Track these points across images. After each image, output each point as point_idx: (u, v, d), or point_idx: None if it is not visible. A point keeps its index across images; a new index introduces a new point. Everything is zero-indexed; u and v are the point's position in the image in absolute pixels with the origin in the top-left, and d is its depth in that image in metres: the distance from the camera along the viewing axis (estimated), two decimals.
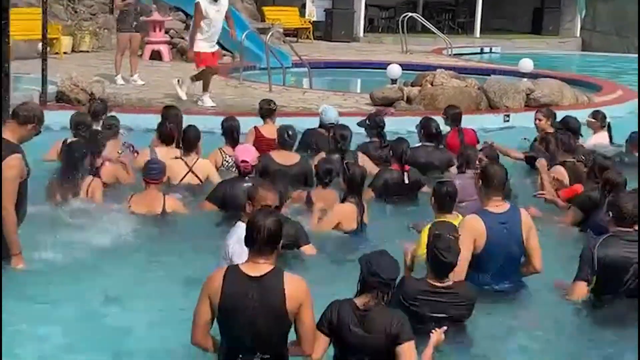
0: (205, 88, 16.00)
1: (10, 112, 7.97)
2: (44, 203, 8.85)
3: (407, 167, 9.83)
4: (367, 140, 11.36)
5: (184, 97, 15.64)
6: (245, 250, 5.45)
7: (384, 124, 11.54)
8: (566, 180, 9.78)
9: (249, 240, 5.31)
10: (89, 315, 6.61)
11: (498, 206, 7.06)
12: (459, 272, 6.41)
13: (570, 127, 11.43)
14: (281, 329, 5.29)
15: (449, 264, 6.06)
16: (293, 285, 5.27)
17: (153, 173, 8.77)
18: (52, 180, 9.21)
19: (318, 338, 5.42)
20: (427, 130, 11.05)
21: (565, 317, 6.89)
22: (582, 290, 6.78)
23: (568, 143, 10.62)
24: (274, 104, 12.05)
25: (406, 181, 9.76)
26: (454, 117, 12.11)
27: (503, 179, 7.19)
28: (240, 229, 6.11)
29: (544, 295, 7.27)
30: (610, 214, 6.88)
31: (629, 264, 6.70)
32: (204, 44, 15.85)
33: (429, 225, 7.10)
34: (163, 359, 5.83)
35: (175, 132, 10.13)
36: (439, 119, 11.99)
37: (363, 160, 10.37)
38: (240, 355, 5.28)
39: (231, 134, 10.60)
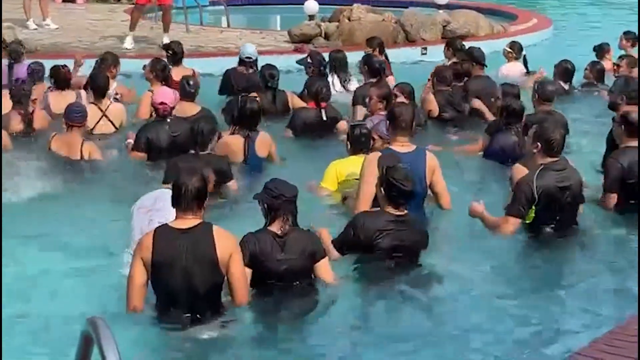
0: (132, 27, 15.89)
1: None
2: None
3: (323, 104, 9.87)
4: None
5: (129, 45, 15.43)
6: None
7: (326, 62, 11.59)
8: None
9: (176, 200, 5.37)
10: None
11: (403, 146, 7.15)
12: (364, 206, 6.64)
13: (475, 57, 11.53)
14: (214, 279, 5.36)
15: (409, 192, 6.23)
16: (222, 235, 5.37)
17: (77, 116, 8.69)
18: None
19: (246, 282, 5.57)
20: (371, 67, 10.99)
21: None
22: (513, 225, 6.93)
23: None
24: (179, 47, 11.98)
25: (324, 118, 9.82)
26: (380, 46, 12.35)
27: (410, 119, 7.23)
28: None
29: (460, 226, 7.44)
30: (539, 145, 6.98)
31: (561, 192, 6.89)
32: None
33: (334, 161, 7.37)
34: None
35: (70, 75, 10.29)
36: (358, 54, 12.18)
37: (293, 99, 10.48)
38: (175, 308, 5.35)
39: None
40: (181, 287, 5.32)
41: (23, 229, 7.29)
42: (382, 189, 6.28)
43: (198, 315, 5.40)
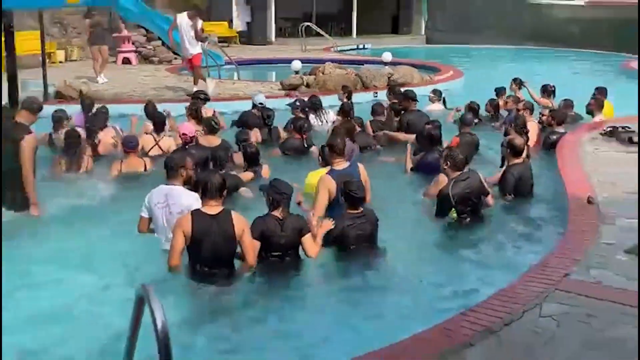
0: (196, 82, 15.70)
1: (20, 105, 7.90)
2: (50, 173, 8.80)
3: (305, 135, 9.97)
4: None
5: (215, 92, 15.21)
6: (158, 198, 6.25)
7: (307, 103, 11.70)
8: None
9: (204, 191, 5.69)
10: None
11: (340, 164, 7.22)
12: (320, 213, 6.75)
13: (409, 96, 11.56)
14: (232, 248, 5.70)
15: (360, 198, 6.39)
16: (237, 219, 5.69)
17: (131, 144, 8.78)
18: (56, 157, 9.11)
19: (255, 246, 5.82)
20: (343, 109, 11.03)
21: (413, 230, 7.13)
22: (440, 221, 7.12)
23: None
24: (204, 94, 11.98)
25: (305, 145, 9.91)
26: (349, 93, 12.38)
27: (342, 148, 7.33)
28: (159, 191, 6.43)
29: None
30: (448, 164, 7.12)
31: (467, 195, 7.07)
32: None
33: (312, 172, 7.75)
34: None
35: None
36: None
37: (281, 133, 10.51)
38: (206, 268, 5.69)
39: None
40: (211, 253, 5.64)
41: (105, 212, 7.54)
42: (343, 197, 6.38)
43: (220, 272, 5.73)
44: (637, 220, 6.64)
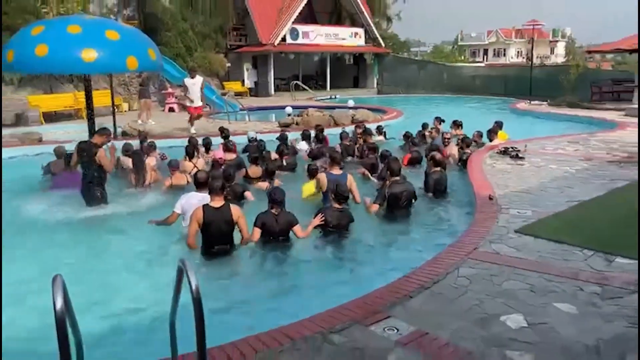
0: (191, 123, 15.43)
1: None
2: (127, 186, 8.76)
3: (285, 157, 9.89)
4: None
5: (193, 131, 14.94)
6: (192, 201, 6.18)
7: (287, 137, 11.59)
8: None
9: (210, 191, 5.81)
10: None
11: (335, 170, 7.36)
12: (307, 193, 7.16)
13: (366, 131, 11.77)
14: (231, 229, 5.75)
15: (346, 197, 6.47)
16: (234, 209, 5.80)
17: (173, 164, 8.71)
18: (128, 177, 9.07)
19: (255, 231, 5.91)
20: (318, 138, 11.36)
21: (369, 221, 7.10)
22: (376, 208, 7.00)
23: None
24: (227, 131, 11.82)
25: (285, 164, 9.81)
26: (320, 129, 12.32)
27: (339, 160, 7.57)
28: (191, 195, 6.47)
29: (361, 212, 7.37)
30: (388, 172, 7.12)
31: (401, 194, 6.94)
32: (190, 103, 15.35)
33: (305, 184, 7.71)
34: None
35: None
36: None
37: (274, 155, 10.24)
38: (215, 247, 5.68)
39: (207, 147, 10.56)
40: (217, 234, 5.70)
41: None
42: (333, 195, 6.32)
43: (224, 246, 5.74)
44: (524, 210, 6.70)
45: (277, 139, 11.53)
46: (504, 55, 72.26)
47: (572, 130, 15.13)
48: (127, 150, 9.89)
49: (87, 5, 22.50)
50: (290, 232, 6.10)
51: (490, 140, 11.96)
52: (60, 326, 2.36)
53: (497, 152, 10.84)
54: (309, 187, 7.71)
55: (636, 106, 17.63)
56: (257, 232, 5.90)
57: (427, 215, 7.25)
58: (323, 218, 6.25)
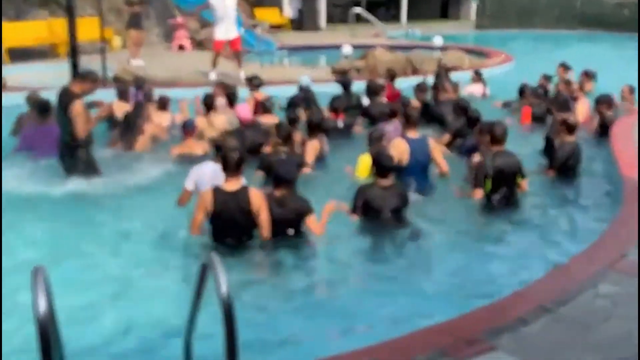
0: (213, 64, 15.49)
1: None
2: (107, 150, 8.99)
3: (341, 115, 9.85)
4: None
5: (212, 77, 15.04)
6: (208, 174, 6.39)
7: (350, 84, 11.73)
8: None
9: (223, 167, 5.87)
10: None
11: (412, 134, 7.49)
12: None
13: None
14: (248, 222, 5.89)
15: (390, 168, 6.44)
16: (254, 195, 5.89)
17: (188, 126, 8.83)
18: (113, 136, 9.25)
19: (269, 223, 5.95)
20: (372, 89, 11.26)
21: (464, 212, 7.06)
22: (480, 193, 6.98)
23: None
24: (259, 79, 11.82)
25: (340, 125, 9.79)
26: (391, 75, 12.59)
27: (416, 119, 7.64)
28: (207, 167, 6.64)
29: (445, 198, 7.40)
30: (489, 137, 7.04)
31: (507, 170, 6.92)
32: (221, 35, 15.32)
33: (362, 156, 7.77)
34: None
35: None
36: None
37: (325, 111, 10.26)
38: (226, 240, 5.91)
39: (230, 98, 10.38)
40: (229, 225, 5.88)
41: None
42: (375, 167, 6.58)
43: (239, 244, 5.95)
44: None
45: (339, 82, 11.55)
46: None
47: None
48: (122, 94, 10.21)
49: None
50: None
51: None
52: (43, 332, 2.49)
53: None
54: (367, 162, 7.65)
55: None
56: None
57: (546, 204, 7.13)
58: (347, 208, 6.40)
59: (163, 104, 10.46)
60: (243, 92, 11.33)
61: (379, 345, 4.08)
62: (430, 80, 12.72)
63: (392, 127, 8.73)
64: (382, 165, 6.42)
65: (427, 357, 3.94)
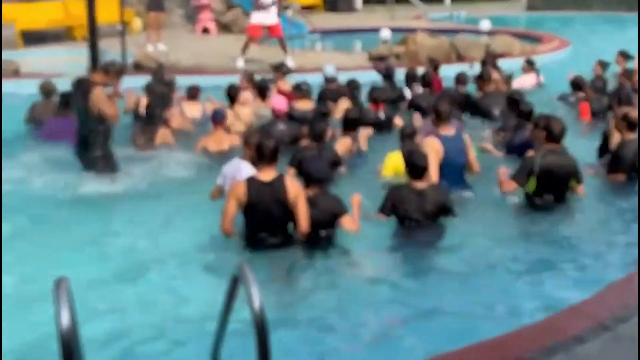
0: (243, 51, 15.69)
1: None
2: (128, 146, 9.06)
3: (381, 106, 9.83)
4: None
5: (240, 65, 15.23)
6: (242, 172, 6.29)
7: (393, 74, 11.70)
8: None
9: (258, 157, 5.94)
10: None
11: (446, 130, 7.39)
12: (435, 176, 6.91)
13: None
14: (284, 214, 5.90)
15: (423, 168, 6.35)
16: (291, 185, 5.90)
17: (219, 117, 8.81)
18: (135, 131, 9.36)
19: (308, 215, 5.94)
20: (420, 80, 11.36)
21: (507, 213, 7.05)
22: (512, 185, 6.94)
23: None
24: (286, 67, 12.02)
25: (382, 117, 9.75)
26: (435, 66, 12.52)
27: (449, 113, 7.52)
28: (238, 164, 6.62)
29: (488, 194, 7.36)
30: (544, 132, 6.93)
31: (560, 169, 6.84)
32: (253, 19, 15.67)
33: (390, 154, 7.76)
34: None
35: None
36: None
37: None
38: (258, 237, 5.95)
39: (262, 91, 10.64)
40: (264, 220, 5.92)
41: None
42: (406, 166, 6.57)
43: (273, 237, 5.99)
44: None
45: (378, 71, 11.53)
46: None
47: None
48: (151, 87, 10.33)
49: None
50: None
51: None
52: (66, 347, 2.55)
53: None
54: (396, 160, 7.62)
55: None
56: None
57: (604, 210, 7.07)
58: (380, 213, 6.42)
59: (193, 94, 10.49)
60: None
61: None
62: (477, 68, 12.63)
63: (421, 121, 8.73)
64: (414, 165, 6.33)
65: None
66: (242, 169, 6.46)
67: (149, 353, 4.62)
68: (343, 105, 9.92)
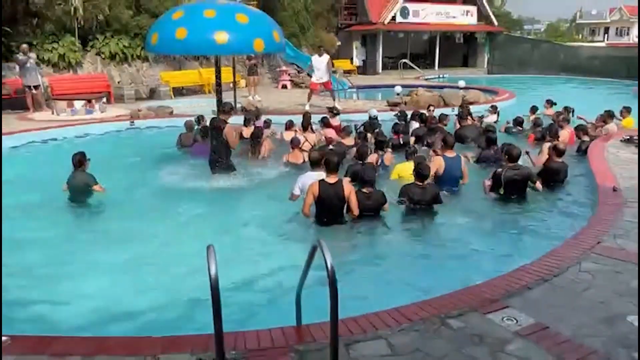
0: (308, 98, 15.68)
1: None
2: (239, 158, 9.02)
3: (400, 135, 9.68)
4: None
5: (307, 107, 15.09)
6: (308, 182, 6.13)
7: (407, 116, 11.57)
8: None
9: (327, 168, 5.93)
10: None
11: (450, 153, 7.14)
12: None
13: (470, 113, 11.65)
14: (342, 204, 5.88)
15: (426, 175, 6.31)
16: (347, 186, 5.93)
17: (296, 142, 8.79)
18: (242, 149, 9.39)
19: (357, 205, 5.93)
20: (418, 119, 10.97)
21: (486, 207, 6.88)
22: (492, 195, 6.79)
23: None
24: (337, 109, 11.81)
25: (401, 142, 9.59)
26: (432, 110, 12.33)
27: (453, 142, 7.25)
28: (307, 176, 6.45)
29: (470, 197, 7.18)
30: (506, 157, 6.82)
31: (519, 179, 6.70)
32: (317, 80, 15.57)
33: (399, 165, 7.62)
34: None
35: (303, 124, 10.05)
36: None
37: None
38: (325, 219, 5.87)
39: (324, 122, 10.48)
40: (329, 208, 5.86)
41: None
42: (415, 173, 6.46)
43: (335, 219, 5.91)
44: None
45: (395, 115, 11.40)
46: (627, 34, 65.79)
47: None
48: (248, 121, 10.31)
49: None
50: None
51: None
52: (214, 289, 2.58)
53: (621, 141, 9.98)
54: (403, 168, 7.54)
55: None
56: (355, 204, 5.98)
57: (545, 206, 6.89)
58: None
59: (289, 126, 10.27)
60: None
61: (428, 301, 4.06)
62: (457, 110, 12.47)
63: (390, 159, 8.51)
64: (419, 173, 6.35)
65: (460, 311, 3.91)
66: (310, 176, 6.48)
67: (251, 295, 4.60)
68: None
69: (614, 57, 29.47)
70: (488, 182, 6.87)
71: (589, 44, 44.89)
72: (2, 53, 13.60)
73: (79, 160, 6.87)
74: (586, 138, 9.72)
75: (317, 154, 6.75)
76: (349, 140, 9.44)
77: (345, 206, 5.94)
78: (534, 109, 12.63)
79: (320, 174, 6.34)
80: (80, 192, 6.83)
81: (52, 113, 13.88)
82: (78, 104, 13.91)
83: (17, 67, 14.66)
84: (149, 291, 4.55)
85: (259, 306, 4.41)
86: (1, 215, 5.60)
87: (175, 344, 3.44)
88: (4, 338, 3.43)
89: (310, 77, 16.04)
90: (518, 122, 11.37)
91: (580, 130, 9.89)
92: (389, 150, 8.65)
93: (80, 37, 17.71)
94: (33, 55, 14.60)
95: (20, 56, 14.24)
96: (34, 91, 14.51)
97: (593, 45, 40.64)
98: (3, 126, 11.38)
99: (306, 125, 9.83)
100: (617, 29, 67.67)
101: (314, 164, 6.60)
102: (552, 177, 7.39)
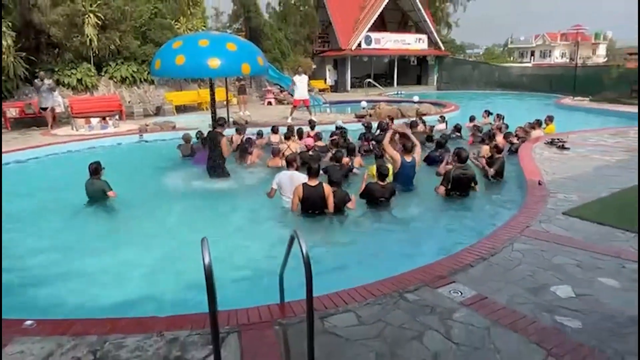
0: (290, 113, 15.55)
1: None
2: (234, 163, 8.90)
3: (371, 141, 9.63)
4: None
5: (289, 120, 15.00)
6: (282, 177, 6.10)
7: (372, 126, 11.37)
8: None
9: (309, 172, 5.72)
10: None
11: (408, 157, 7.03)
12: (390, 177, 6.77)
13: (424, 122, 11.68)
14: (323, 203, 5.77)
15: (386, 175, 6.23)
16: (327, 188, 5.84)
17: (275, 151, 8.73)
18: (235, 156, 9.29)
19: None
20: (381, 127, 10.80)
21: (436, 201, 6.90)
22: (443, 190, 6.73)
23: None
24: (313, 121, 11.69)
25: (371, 147, 9.52)
26: (391, 119, 12.06)
27: (411, 147, 7.13)
28: (282, 173, 6.30)
29: (423, 193, 7.17)
30: (456, 158, 6.83)
31: (463, 179, 6.66)
32: (298, 96, 15.42)
33: (370, 166, 7.29)
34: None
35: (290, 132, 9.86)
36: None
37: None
38: (309, 211, 5.75)
39: (299, 134, 10.29)
40: (312, 205, 5.78)
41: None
42: (377, 174, 6.30)
43: (317, 214, 5.80)
44: (570, 195, 6.29)
45: (363, 125, 11.36)
46: (549, 56, 67.14)
47: (613, 124, 13.90)
48: (238, 131, 10.17)
49: (206, 21, 23.14)
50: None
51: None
52: (208, 277, 2.53)
53: (545, 143, 10.15)
54: (372, 170, 7.51)
55: None
56: (332, 202, 5.92)
57: (483, 198, 6.95)
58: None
59: (275, 131, 10.16)
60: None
61: (389, 279, 4.07)
62: (411, 120, 12.52)
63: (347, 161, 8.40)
64: (380, 173, 6.32)
65: (415, 286, 3.93)
66: (295, 176, 6.38)
67: (241, 278, 4.56)
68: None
69: (538, 75, 30.01)
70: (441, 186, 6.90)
71: (518, 65, 45.66)
72: (2, 82, 13.00)
73: (95, 169, 6.70)
74: (515, 141, 9.88)
75: (292, 155, 6.67)
76: (322, 143, 9.43)
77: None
78: (472, 118, 12.81)
79: (293, 172, 6.31)
80: (96, 196, 6.68)
81: (72, 129, 13.60)
82: (94, 121, 13.73)
83: (35, 91, 14.28)
84: (153, 277, 4.48)
85: (248, 287, 4.39)
86: (1, 216, 5.51)
87: (177, 321, 3.39)
88: (29, 322, 3.33)
89: (292, 95, 15.95)
90: (457, 128, 11.46)
91: (509, 135, 10.06)
92: (359, 155, 8.65)
93: (95, 64, 17.45)
94: (47, 81, 14.20)
95: (38, 82, 13.89)
96: (47, 112, 14.12)
97: (522, 66, 41.33)
98: (30, 141, 11.11)
99: (288, 136, 9.76)
100: (541, 51, 68.96)
101: (289, 164, 6.55)
102: (500, 167, 7.55)
